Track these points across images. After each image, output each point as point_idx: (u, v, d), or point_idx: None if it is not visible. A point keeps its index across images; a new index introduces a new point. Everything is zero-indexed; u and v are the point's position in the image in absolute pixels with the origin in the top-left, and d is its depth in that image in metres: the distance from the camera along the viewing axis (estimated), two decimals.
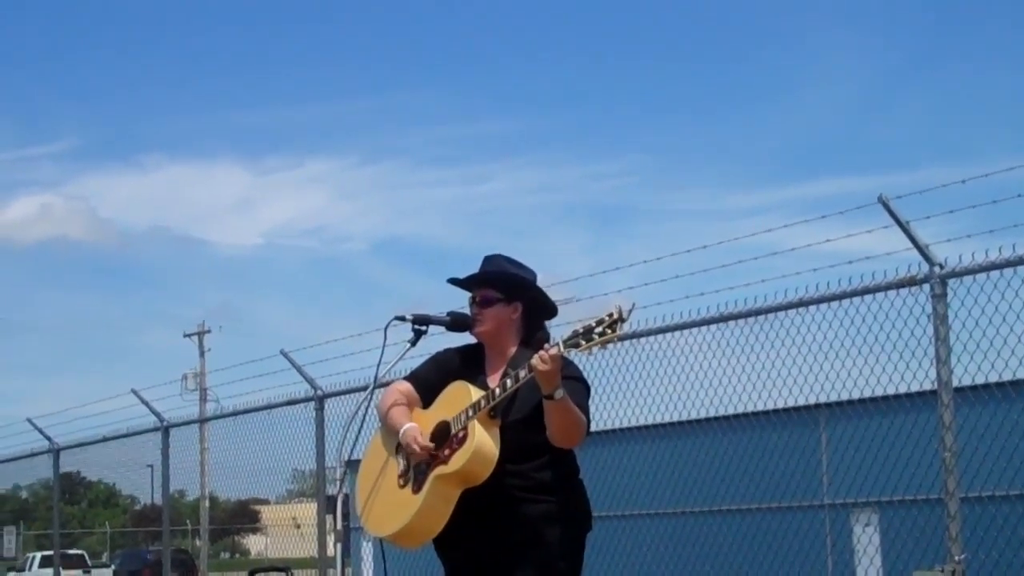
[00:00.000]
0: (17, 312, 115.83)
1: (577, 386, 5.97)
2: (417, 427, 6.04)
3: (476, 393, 5.94)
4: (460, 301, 6.39)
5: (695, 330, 11.43)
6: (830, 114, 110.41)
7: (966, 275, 9.46)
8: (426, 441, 5.96)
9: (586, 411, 5.99)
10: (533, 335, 6.15)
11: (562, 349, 5.64)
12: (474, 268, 6.31)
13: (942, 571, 9.26)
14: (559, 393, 5.72)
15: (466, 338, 6.35)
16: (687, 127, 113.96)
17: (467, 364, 6.23)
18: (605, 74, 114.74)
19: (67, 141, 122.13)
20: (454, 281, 6.29)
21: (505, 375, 5.92)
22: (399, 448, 6.13)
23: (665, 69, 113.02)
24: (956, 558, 9.28)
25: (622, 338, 11.52)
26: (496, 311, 6.16)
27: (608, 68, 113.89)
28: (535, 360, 5.64)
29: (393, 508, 6.09)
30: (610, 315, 5.57)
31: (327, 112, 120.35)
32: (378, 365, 6.33)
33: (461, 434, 5.90)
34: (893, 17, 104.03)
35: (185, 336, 62.37)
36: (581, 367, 6.23)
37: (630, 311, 5.59)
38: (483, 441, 5.85)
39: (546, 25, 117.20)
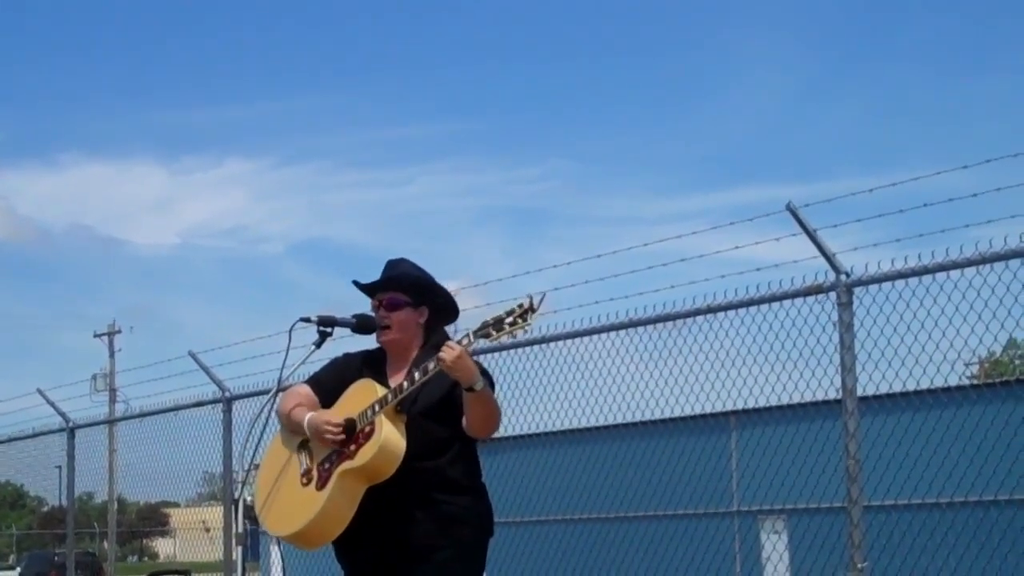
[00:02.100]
0: None
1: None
2: (321, 412, 6.01)
3: (381, 390, 5.92)
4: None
5: (604, 335, 11.42)
6: (751, 121, 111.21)
7: (872, 284, 9.50)
8: (336, 420, 5.92)
9: None
10: (432, 338, 6.14)
11: (472, 340, 5.65)
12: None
13: None
14: (479, 384, 5.72)
15: (372, 340, 6.32)
16: (608, 134, 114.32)
17: (368, 368, 6.19)
18: (528, 79, 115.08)
19: None
20: (360, 284, 6.25)
21: (411, 371, 5.90)
22: (301, 447, 6.10)
23: (587, 76, 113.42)
24: (859, 566, 9.33)
25: (533, 341, 11.57)
26: (404, 315, 6.13)
27: (531, 73, 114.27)
28: (443, 353, 5.63)
29: (295, 506, 6.04)
30: (520, 305, 5.58)
31: (246, 113, 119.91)
32: (282, 368, 6.28)
33: (368, 429, 5.87)
34: (813, 27, 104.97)
35: (95, 336, 61.79)
36: (489, 368, 6.24)
37: (541, 301, 5.60)
38: (390, 435, 5.83)
39: (469, 30, 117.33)
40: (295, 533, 6.05)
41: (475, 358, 5.79)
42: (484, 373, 6.00)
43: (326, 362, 6.38)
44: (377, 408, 5.87)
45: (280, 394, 6.28)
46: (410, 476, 5.87)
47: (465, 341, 5.66)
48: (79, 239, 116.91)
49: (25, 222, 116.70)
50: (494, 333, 5.59)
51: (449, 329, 6.28)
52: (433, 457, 5.96)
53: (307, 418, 6.02)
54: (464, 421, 5.90)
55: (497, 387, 6.29)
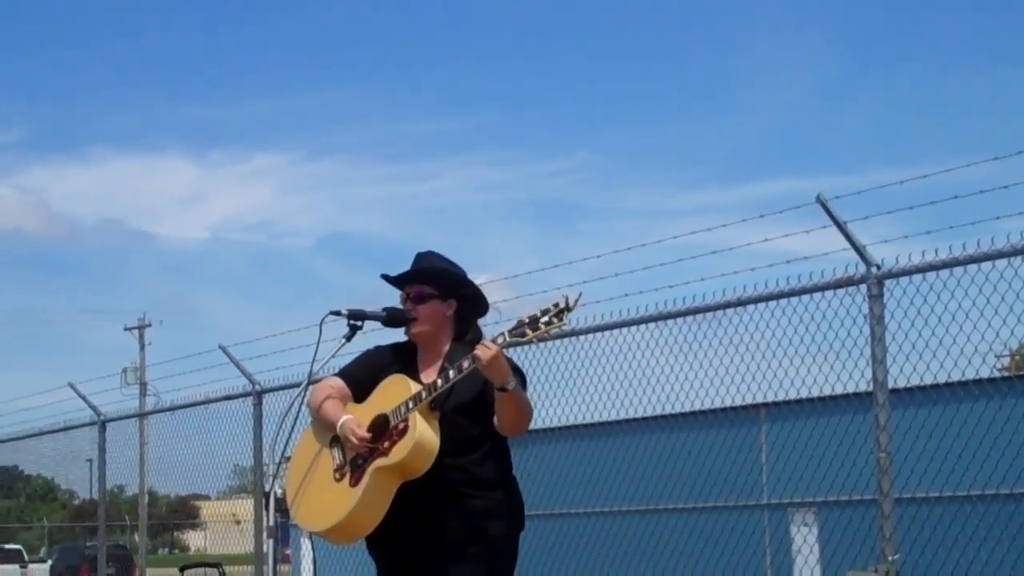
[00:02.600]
0: None
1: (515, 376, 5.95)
2: (355, 419, 5.99)
3: (415, 386, 5.91)
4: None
5: (634, 328, 11.43)
6: (779, 115, 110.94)
7: (902, 276, 9.49)
8: (364, 432, 5.93)
9: None
10: (466, 332, 6.14)
11: (507, 339, 5.64)
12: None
13: (875, 571, 9.30)
14: (511, 383, 5.71)
15: (399, 334, 6.32)
16: (635, 126, 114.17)
17: (399, 361, 6.19)
18: (554, 72, 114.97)
19: (14, 133, 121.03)
20: (388, 277, 6.26)
21: (444, 368, 5.90)
22: (334, 442, 6.09)
23: (614, 68, 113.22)
24: (890, 558, 9.32)
25: (564, 335, 11.57)
26: (431, 307, 6.13)
27: (557, 66, 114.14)
28: (479, 351, 5.62)
29: (329, 502, 6.04)
30: (556, 304, 5.56)
31: (274, 107, 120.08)
32: (312, 361, 6.29)
33: (401, 426, 5.86)
34: (841, 19, 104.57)
35: (126, 329, 61.89)
36: (520, 362, 6.23)
37: (576, 300, 5.58)
38: (424, 432, 5.83)
39: (496, 23, 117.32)
40: (328, 529, 6.05)
41: (507, 352, 5.79)
42: (516, 370, 5.99)
43: (357, 354, 6.38)
44: (411, 405, 5.86)
45: (311, 387, 6.29)
46: (442, 473, 5.87)
47: (500, 340, 5.65)
48: (109, 233, 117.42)
49: (56, 217, 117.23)
50: (529, 332, 5.57)
51: (481, 323, 6.27)
52: (465, 454, 5.96)
53: (340, 422, 6.01)
54: (495, 419, 5.90)
55: (528, 381, 6.28)
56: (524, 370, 6.21)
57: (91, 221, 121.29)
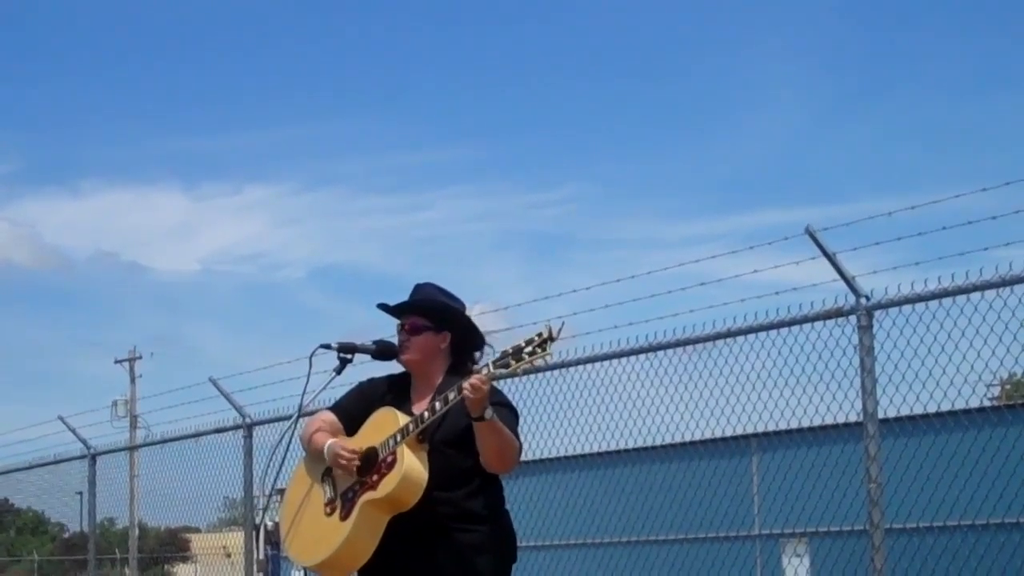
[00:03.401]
0: None
1: (504, 411, 5.92)
2: (341, 441, 6.02)
3: (403, 418, 5.89)
4: (394, 330, 6.36)
5: (624, 360, 11.42)
6: (769, 145, 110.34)
7: (891, 307, 9.50)
8: (352, 446, 5.93)
9: (516, 436, 5.97)
10: (461, 365, 6.14)
11: (492, 370, 5.62)
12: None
13: None
14: (489, 412, 5.68)
15: (392, 367, 6.32)
16: (628, 157, 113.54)
17: (393, 393, 6.18)
18: (547, 103, 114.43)
19: (6, 166, 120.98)
20: (384, 307, 6.26)
21: (433, 400, 5.90)
22: (325, 476, 6.09)
23: (606, 99, 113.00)
24: None
25: (552, 366, 11.57)
26: (424, 339, 6.13)
27: (550, 97, 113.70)
28: (466, 383, 5.61)
29: (320, 536, 6.04)
30: (539, 335, 5.54)
31: (265, 139, 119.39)
32: (303, 394, 6.29)
33: (390, 459, 5.85)
34: (831, 49, 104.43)
35: (116, 362, 61.64)
36: (509, 395, 6.22)
37: (559, 330, 5.57)
38: (412, 465, 5.81)
39: (486, 54, 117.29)
40: (320, 563, 6.04)
41: (498, 385, 5.78)
42: (507, 405, 6.00)
43: (351, 387, 6.38)
44: (399, 438, 5.86)
45: (303, 419, 6.29)
46: (431, 507, 5.86)
47: (485, 372, 5.64)
48: (103, 266, 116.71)
49: (50, 250, 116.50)
50: (513, 363, 5.55)
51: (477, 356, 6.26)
52: (455, 488, 5.94)
53: (327, 445, 6.03)
54: (480, 456, 5.89)
55: (520, 414, 6.26)
56: (516, 405, 6.21)
57: (83, 254, 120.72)
